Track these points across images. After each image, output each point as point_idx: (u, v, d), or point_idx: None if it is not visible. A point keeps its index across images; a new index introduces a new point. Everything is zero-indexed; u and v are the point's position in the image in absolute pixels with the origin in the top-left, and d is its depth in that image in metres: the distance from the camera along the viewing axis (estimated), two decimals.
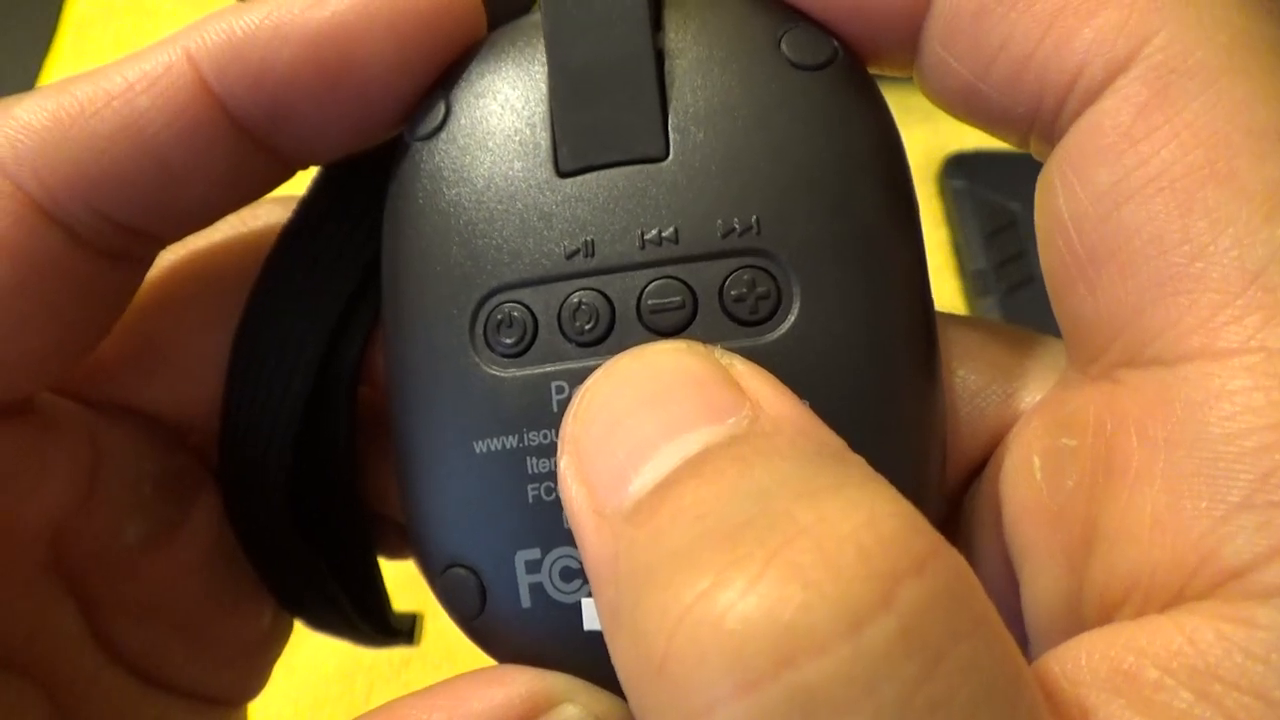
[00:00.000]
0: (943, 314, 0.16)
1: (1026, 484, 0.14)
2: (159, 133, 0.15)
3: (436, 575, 0.15)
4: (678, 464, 0.11)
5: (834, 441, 0.12)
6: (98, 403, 0.18)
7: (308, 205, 0.18)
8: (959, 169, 0.49)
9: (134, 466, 0.18)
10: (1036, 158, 0.14)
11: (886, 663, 0.10)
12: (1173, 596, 0.12)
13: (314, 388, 0.18)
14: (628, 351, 0.13)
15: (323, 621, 0.21)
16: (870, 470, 0.12)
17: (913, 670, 0.10)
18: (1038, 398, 0.15)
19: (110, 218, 0.15)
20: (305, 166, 0.17)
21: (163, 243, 0.17)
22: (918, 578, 0.10)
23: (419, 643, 0.22)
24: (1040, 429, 0.15)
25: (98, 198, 0.15)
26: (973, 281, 0.47)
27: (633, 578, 0.11)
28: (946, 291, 0.48)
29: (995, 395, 0.16)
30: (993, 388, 0.16)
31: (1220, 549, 0.11)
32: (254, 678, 0.21)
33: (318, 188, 0.18)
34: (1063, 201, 0.13)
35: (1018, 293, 0.46)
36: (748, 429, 0.12)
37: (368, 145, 0.17)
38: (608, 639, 0.12)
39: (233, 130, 0.15)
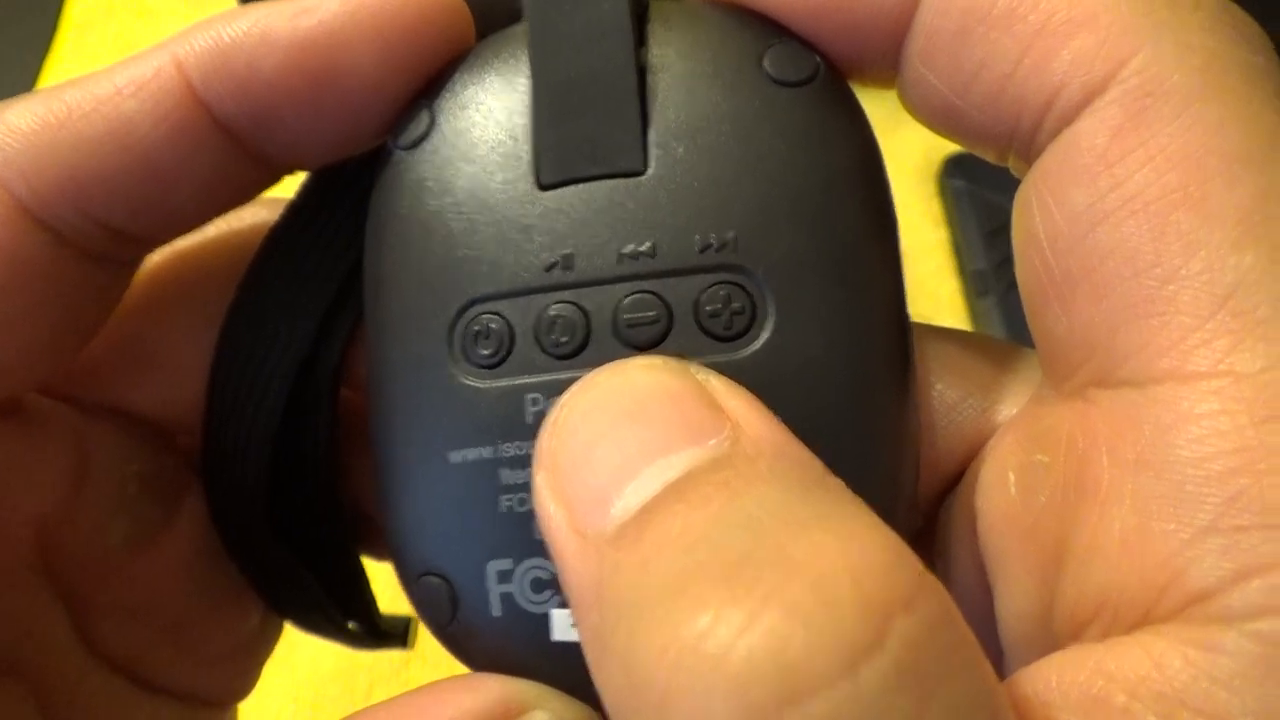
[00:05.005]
0: (921, 326, 0.16)
1: (1001, 498, 0.14)
2: (146, 136, 0.15)
3: (411, 582, 0.15)
4: (660, 488, 0.11)
5: (814, 463, 0.12)
6: (85, 403, 0.18)
7: (295, 208, 0.18)
8: (959, 169, 0.49)
9: (120, 467, 0.18)
10: (1014, 174, 0.15)
11: (884, 699, 0.10)
12: (1140, 616, 0.12)
13: (296, 390, 0.18)
14: (605, 367, 0.13)
15: (310, 623, 0.21)
16: (851, 495, 0.12)
17: (907, 706, 0.10)
18: (1013, 411, 0.15)
19: (98, 220, 0.15)
20: (292, 171, 0.17)
21: (150, 246, 0.17)
22: (908, 613, 0.10)
23: (413, 646, 0.22)
24: (1015, 444, 0.15)
25: (85, 200, 0.15)
26: (973, 281, 0.47)
27: (621, 606, 0.11)
28: (946, 291, 0.48)
29: (972, 409, 0.16)
30: (969, 401, 0.16)
31: (1186, 571, 0.11)
32: (244, 678, 0.21)
33: (305, 191, 0.18)
34: (1039, 221, 0.13)
35: (1017, 292, 0.46)
36: (729, 451, 0.12)
37: (354, 152, 0.17)
38: (591, 662, 0.12)
39: (219, 135, 0.15)
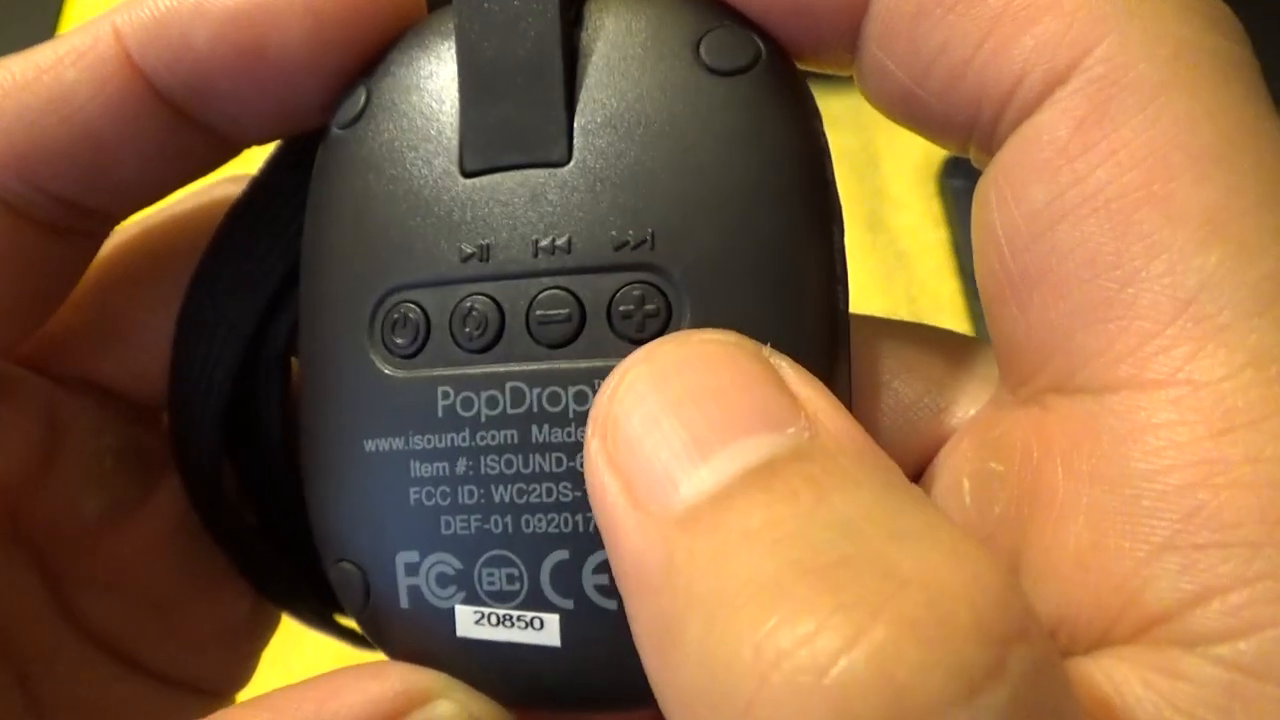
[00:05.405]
0: (877, 321, 0.16)
1: (956, 507, 0.14)
2: (85, 105, 0.15)
3: (329, 566, 0.15)
4: (738, 473, 0.11)
5: (893, 467, 0.11)
6: (60, 375, 0.18)
7: (257, 183, 0.18)
8: (959, 169, 0.49)
9: (94, 439, 0.18)
10: (975, 166, 0.14)
11: None
12: (1098, 637, 0.11)
13: (249, 367, 0.18)
14: (671, 336, 0.12)
15: (297, 612, 0.21)
16: (936, 506, 0.11)
17: None
18: (972, 411, 0.15)
19: (47, 191, 0.15)
20: (245, 145, 0.17)
21: (108, 219, 0.17)
22: (1024, 644, 0.09)
23: None
24: (970, 450, 0.14)
25: (31, 171, 0.15)
26: (973, 281, 0.47)
27: (699, 596, 0.10)
28: (946, 291, 0.48)
29: (927, 409, 0.15)
30: (925, 401, 0.15)
31: (1143, 592, 0.11)
32: (237, 666, 0.21)
33: (268, 166, 0.18)
34: (997, 217, 0.13)
35: None
36: (810, 445, 0.11)
37: (301, 127, 0.16)
38: (652, 649, 0.11)
39: (160, 105, 0.15)
